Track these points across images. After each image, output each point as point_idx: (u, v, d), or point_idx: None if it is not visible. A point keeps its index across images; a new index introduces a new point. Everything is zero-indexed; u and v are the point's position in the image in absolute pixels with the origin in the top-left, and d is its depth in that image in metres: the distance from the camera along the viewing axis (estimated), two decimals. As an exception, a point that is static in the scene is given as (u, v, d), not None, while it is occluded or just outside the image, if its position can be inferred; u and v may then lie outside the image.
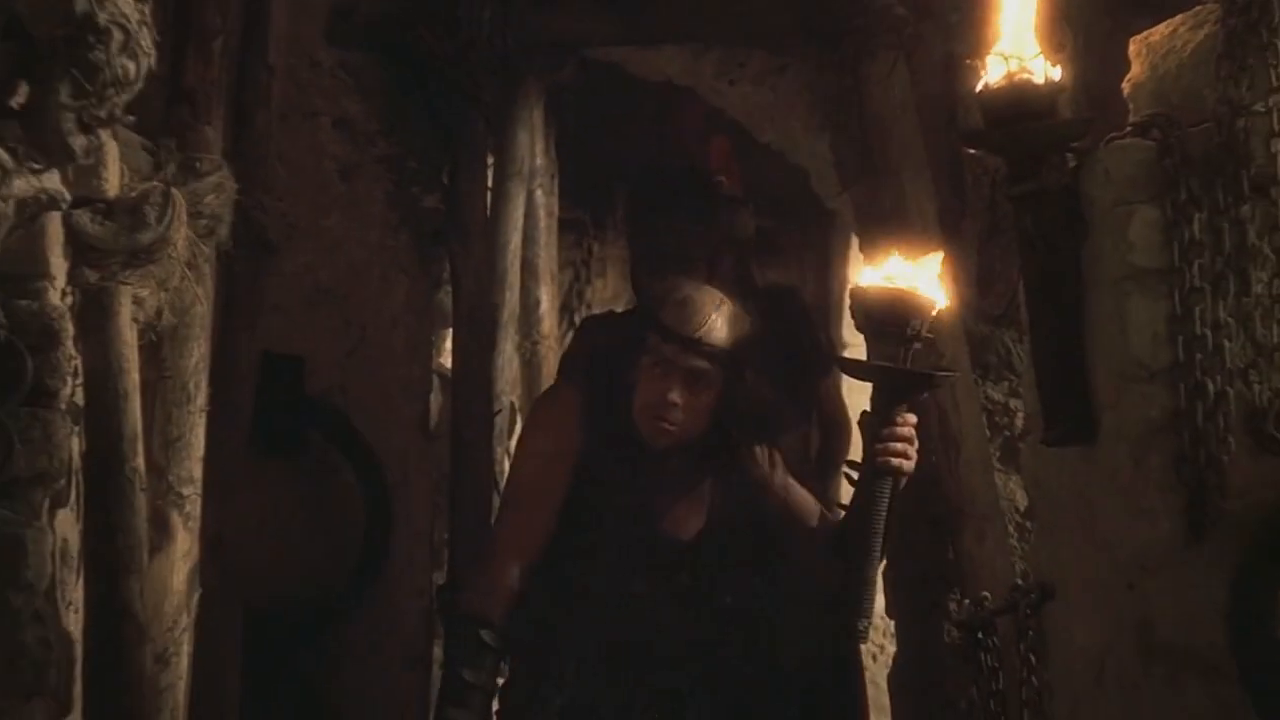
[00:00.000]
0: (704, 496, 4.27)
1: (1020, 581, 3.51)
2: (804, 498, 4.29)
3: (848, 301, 4.00)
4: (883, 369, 3.76)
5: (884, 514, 3.84)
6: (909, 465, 3.85)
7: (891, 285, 3.67)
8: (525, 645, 4.27)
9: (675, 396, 4.06)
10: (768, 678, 4.47)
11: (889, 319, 3.67)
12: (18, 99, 2.64)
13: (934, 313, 3.69)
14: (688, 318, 4.09)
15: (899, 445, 3.82)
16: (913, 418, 3.86)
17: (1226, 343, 2.78)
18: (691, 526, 4.26)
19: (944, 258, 3.79)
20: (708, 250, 4.92)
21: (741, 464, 4.26)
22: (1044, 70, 3.00)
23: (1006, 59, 3.04)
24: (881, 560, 3.95)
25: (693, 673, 4.29)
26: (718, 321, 4.09)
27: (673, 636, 4.26)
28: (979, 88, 3.09)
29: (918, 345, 3.67)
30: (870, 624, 4.01)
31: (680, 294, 4.21)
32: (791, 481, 4.31)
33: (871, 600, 3.95)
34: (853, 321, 4.20)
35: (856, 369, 4.08)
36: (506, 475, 4.80)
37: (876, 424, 3.79)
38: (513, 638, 4.19)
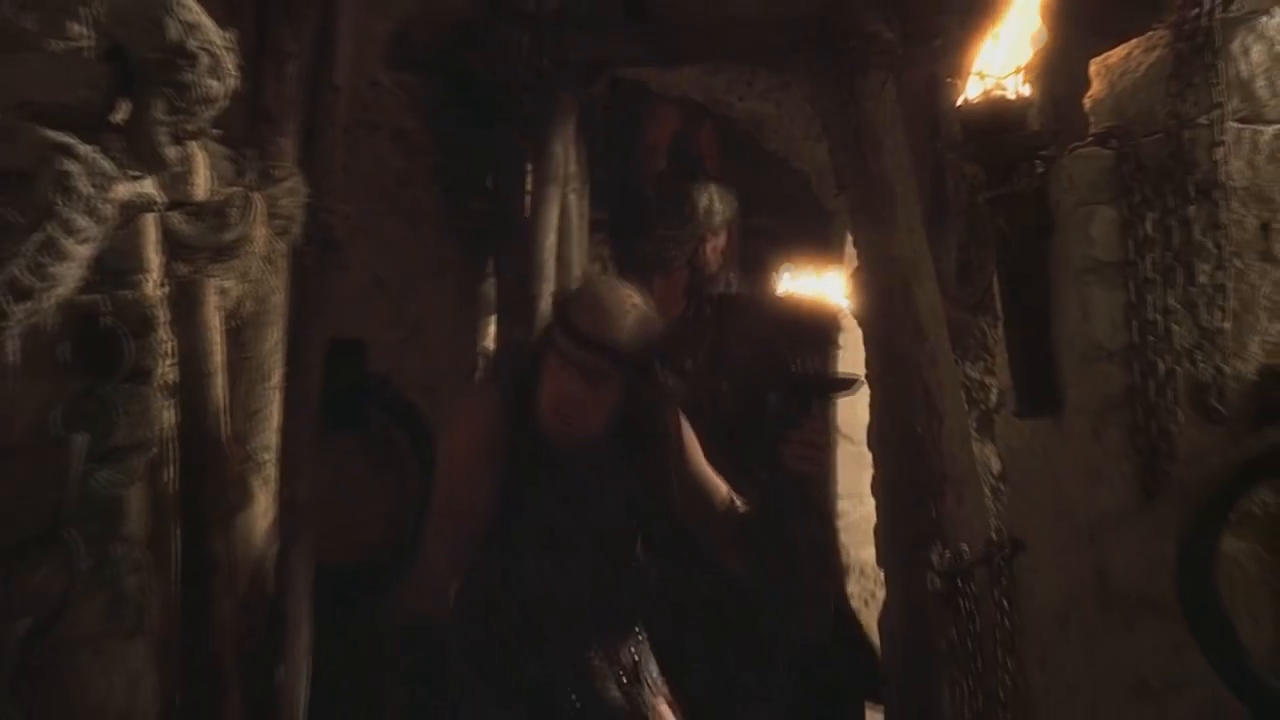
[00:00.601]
0: (630, 483, 3.98)
1: (994, 536, 3.52)
2: (704, 490, 4.01)
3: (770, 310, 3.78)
4: (793, 374, 3.61)
5: (787, 515, 3.69)
6: (811, 469, 3.71)
7: (803, 294, 3.54)
8: (472, 633, 3.98)
9: (575, 393, 3.80)
10: (731, 652, 4.36)
11: (803, 328, 3.55)
12: (119, 115, 2.67)
13: (841, 320, 3.55)
14: (592, 317, 3.81)
15: (804, 448, 3.65)
16: (820, 423, 3.72)
17: (1175, 326, 2.79)
18: (621, 512, 4.01)
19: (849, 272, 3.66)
20: (685, 250, 4.91)
21: (654, 454, 3.95)
22: (1016, 88, 3.02)
23: (983, 78, 3.06)
24: (793, 558, 3.79)
25: (644, 648, 4.07)
26: (623, 321, 3.80)
27: (626, 617, 4.05)
28: (959, 103, 3.12)
29: (827, 352, 3.57)
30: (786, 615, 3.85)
31: (589, 292, 3.99)
32: (699, 471, 4.03)
33: (782, 598, 3.78)
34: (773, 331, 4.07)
35: (770, 375, 3.77)
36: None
37: (785, 426, 3.62)
38: (461, 627, 3.94)
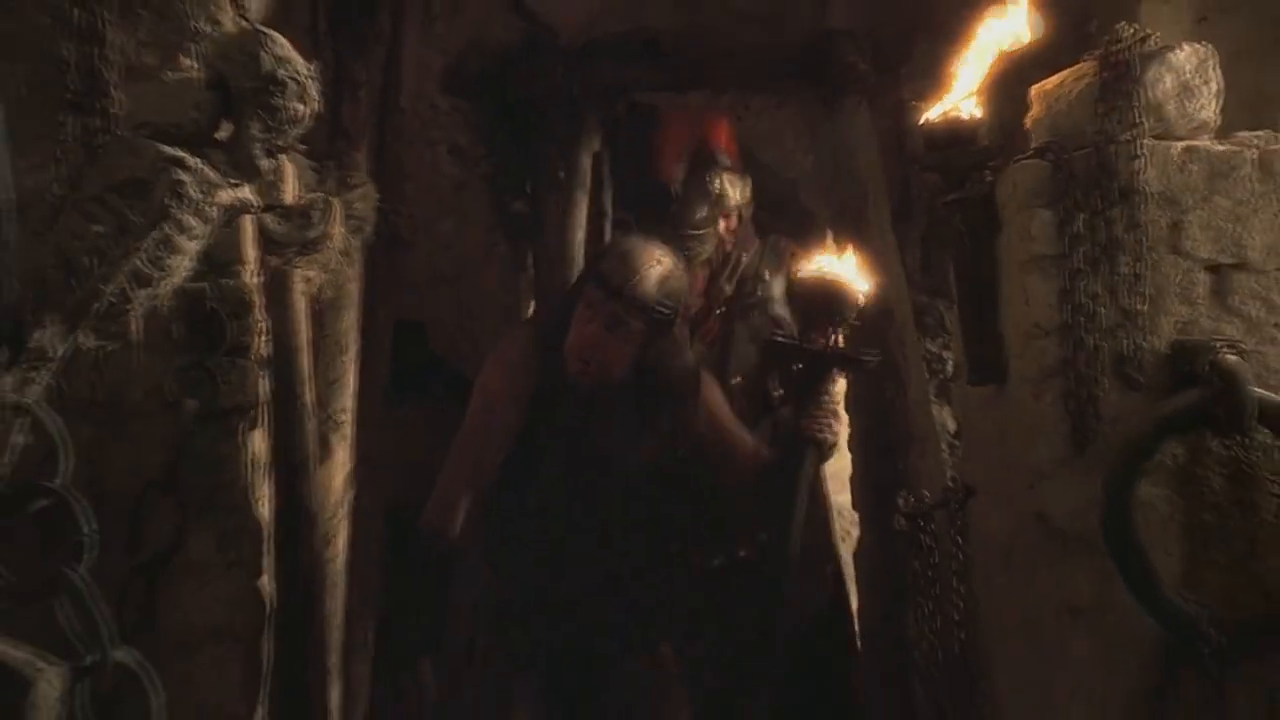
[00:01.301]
0: (645, 432, 3.75)
1: (951, 484, 3.53)
2: (729, 445, 3.82)
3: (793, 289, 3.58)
4: (816, 351, 3.48)
5: (806, 480, 3.55)
6: (834, 438, 3.56)
7: (825, 275, 3.44)
8: (482, 563, 3.87)
9: (596, 340, 3.59)
10: (728, 605, 4.07)
11: (823, 305, 3.44)
12: (222, 133, 2.70)
13: (860, 300, 3.45)
14: (620, 270, 3.60)
15: (826, 419, 3.51)
16: (838, 394, 3.60)
17: (1101, 309, 2.80)
18: (634, 460, 3.76)
19: (861, 254, 3.55)
20: (709, 246, 4.86)
21: (675, 403, 3.74)
22: (969, 110, 3.04)
23: (942, 102, 3.08)
24: (800, 526, 3.58)
25: (641, 595, 3.84)
26: (650, 275, 3.58)
27: (627, 560, 3.81)
28: (922, 122, 3.13)
29: (845, 330, 3.49)
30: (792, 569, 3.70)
31: (623, 247, 3.76)
32: (722, 425, 3.84)
33: (789, 562, 3.63)
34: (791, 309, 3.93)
35: (790, 351, 3.58)
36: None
37: (806, 399, 3.49)
38: (475, 554, 3.81)
